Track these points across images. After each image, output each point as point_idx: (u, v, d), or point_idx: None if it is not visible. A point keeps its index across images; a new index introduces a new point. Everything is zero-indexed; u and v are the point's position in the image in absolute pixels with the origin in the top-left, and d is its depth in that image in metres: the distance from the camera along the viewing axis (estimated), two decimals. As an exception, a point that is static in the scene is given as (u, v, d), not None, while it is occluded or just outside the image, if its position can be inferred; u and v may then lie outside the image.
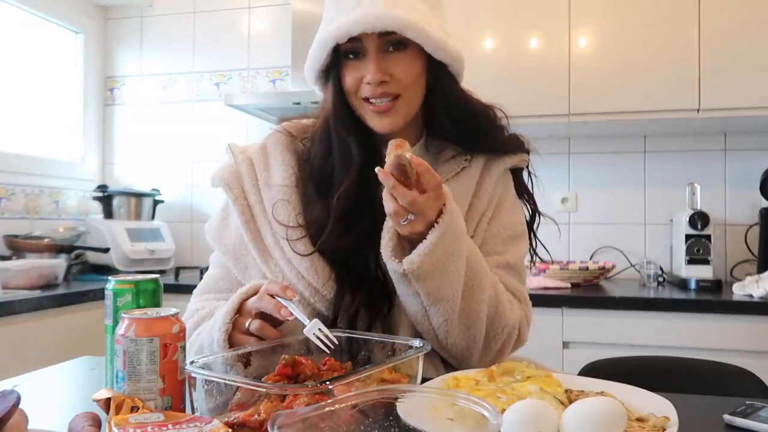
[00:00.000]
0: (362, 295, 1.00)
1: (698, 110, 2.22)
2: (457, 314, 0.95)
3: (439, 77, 1.04)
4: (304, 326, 0.85)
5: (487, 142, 1.10)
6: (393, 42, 0.98)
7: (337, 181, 1.02)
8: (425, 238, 0.88)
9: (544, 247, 1.17)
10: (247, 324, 0.89)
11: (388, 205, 0.87)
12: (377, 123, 1.02)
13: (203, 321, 1.02)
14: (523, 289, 1.11)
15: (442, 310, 0.94)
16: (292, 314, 0.85)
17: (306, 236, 1.01)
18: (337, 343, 0.86)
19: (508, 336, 1.03)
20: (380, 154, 1.04)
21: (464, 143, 1.09)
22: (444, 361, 1.05)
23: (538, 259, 1.17)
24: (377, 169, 0.84)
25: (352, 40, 0.97)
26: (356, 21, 0.94)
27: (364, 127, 1.04)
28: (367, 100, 1.01)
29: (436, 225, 0.88)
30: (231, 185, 1.06)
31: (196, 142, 3.10)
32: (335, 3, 1.02)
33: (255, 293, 0.91)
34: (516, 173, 1.15)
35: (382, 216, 0.97)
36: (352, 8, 0.97)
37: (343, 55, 1.01)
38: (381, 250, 0.93)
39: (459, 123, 1.07)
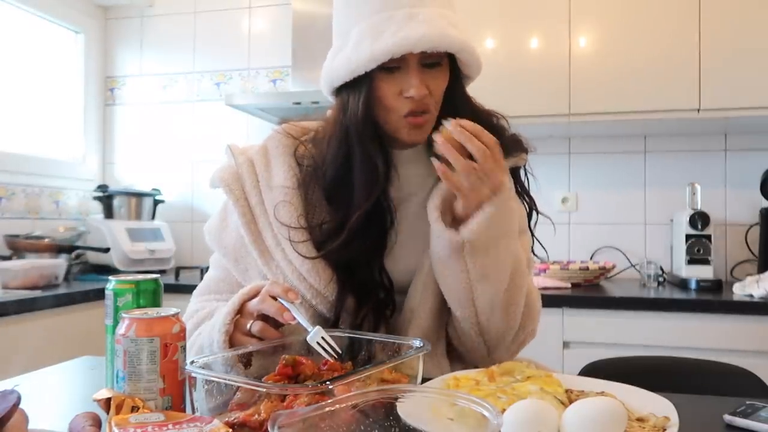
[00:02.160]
0: (370, 303, 1.01)
1: (698, 110, 2.22)
2: (501, 295, 0.98)
3: (455, 88, 1.04)
4: (307, 332, 0.85)
5: None
6: (432, 57, 0.97)
7: (358, 195, 1.00)
8: (480, 209, 0.92)
9: (541, 245, 1.18)
10: (248, 325, 0.89)
11: (456, 167, 0.89)
12: (413, 135, 1.02)
13: (203, 322, 1.02)
14: (533, 283, 1.14)
15: (490, 289, 0.96)
16: (294, 318, 0.85)
17: (309, 239, 1.01)
18: (340, 351, 0.86)
19: (533, 328, 1.08)
20: (395, 170, 1.07)
21: None
22: (450, 360, 1.05)
23: (536, 258, 1.18)
24: (435, 136, 0.91)
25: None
26: (420, 38, 0.92)
27: (383, 142, 1.03)
28: (405, 114, 0.99)
29: (494, 195, 0.92)
30: (232, 186, 1.06)
31: (197, 142, 3.10)
32: (378, 10, 0.97)
33: (256, 294, 0.91)
34: (514, 172, 1.15)
35: (390, 226, 1.02)
36: (406, 21, 0.94)
37: (378, 68, 0.97)
38: (432, 224, 0.96)
39: None
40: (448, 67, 1.00)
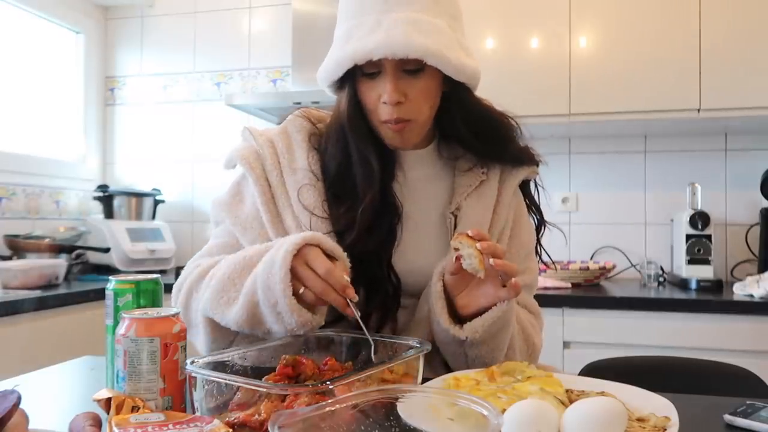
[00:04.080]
0: (378, 299, 1.01)
1: (699, 110, 2.21)
2: (498, 360, 0.99)
3: (457, 90, 1.04)
4: (366, 335, 0.86)
5: (504, 151, 1.10)
6: (410, 63, 0.97)
7: (360, 191, 1.01)
8: (490, 309, 0.92)
9: (548, 255, 1.18)
10: (300, 290, 0.85)
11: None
12: (393, 140, 1.03)
13: (212, 268, 0.98)
14: (536, 304, 1.15)
15: (483, 359, 0.97)
16: (354, 314, 0.84)
17: (331, 231, 1.00)
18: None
19: (536, 355, 1.10)
20: (397, 159, 1.08)
21: (482, 152, 1.09)
22: (444, 363, 1.05)
23: (540, 263, 1.19)
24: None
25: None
26: (378, 46, 0.93)
27: (379, 137, 1.04)
28: (383, 121, 1.01)
29: (505, 302, 0.92)
30: (252, 164, 1.05)
31: (197, 142, 3.10)
32: (353, 15, 0.99)
33: (313, 244, 0.87)
34: (524, 185, 1.16)
35: (397, 221, 1.03)
36: (372, 28, 0.95)
37: (359, 72, 0.99)
38: (437, 318, 0.95)
39: (479, 133, 1.07)
40: (434, 74, 0.99)
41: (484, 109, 1.08)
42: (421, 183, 1.10)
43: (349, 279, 0.85)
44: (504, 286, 0.90)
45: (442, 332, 0.96)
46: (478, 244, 0.88)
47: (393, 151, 1.08)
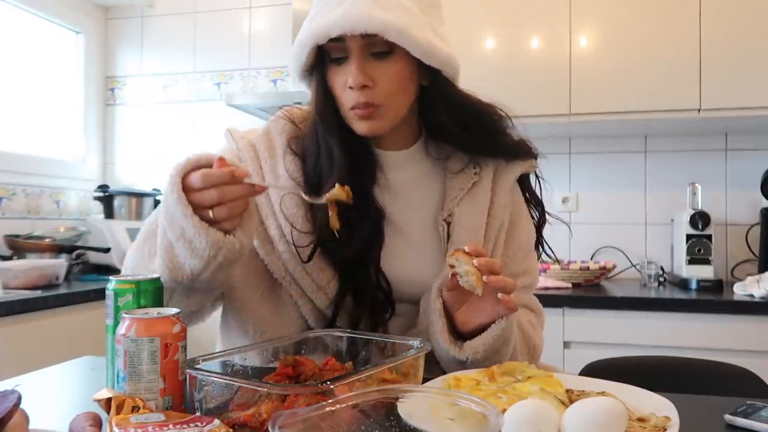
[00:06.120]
0: (366, 304, 0.99)
1: (699, 110, 2.22)
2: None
3: (436, 81, 1.00)
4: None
5: (496, 144, 1.06)
6: (378, 45, 0.92)
7: (323, 182, 0.97)
8: (489, 328, 0.91)
9: (551, 249, 1.15)
10: (210, 214, 0.82)
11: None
12: (360, 127, 0.98)
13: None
14: (537, 301, 1.13)
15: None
16: (262, 188, 0.83)
17: (313, 243, 0.97)
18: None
19: (537, 355, 1.08)
20: (366, 158, 1.03)
21: (472, 147, 1.05)
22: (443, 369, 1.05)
23: (544, 257, 1.17)
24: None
25: (335, 40, 0.92)
26: (336, 21, 0.90)
27: (349, 129, 0.99)
28: (350, 107, 0.97)
29: (504, 318, 0.90)
30: None
31: (197, 142, 3.10)
32: (317, 1, 0.97)
33: (207, 165, 0.85)
34: (524, 179, 1.11)
35: (379, 220, 0.99)
36: (333, 7, 0.92)
37: (327, 57, 0.97)
38: (437, 337, 0.93)
39: (466, 126, 1.02)
40: (405, 59, 0.95)
41: (467, 99, 1.04)
42: (408, 185, 1.06)
43: (230, 168, 0.82)
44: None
45: (442, 351, 0.94)
46: (474, 261, 0.85)
47: (372, 151, 1.04)
